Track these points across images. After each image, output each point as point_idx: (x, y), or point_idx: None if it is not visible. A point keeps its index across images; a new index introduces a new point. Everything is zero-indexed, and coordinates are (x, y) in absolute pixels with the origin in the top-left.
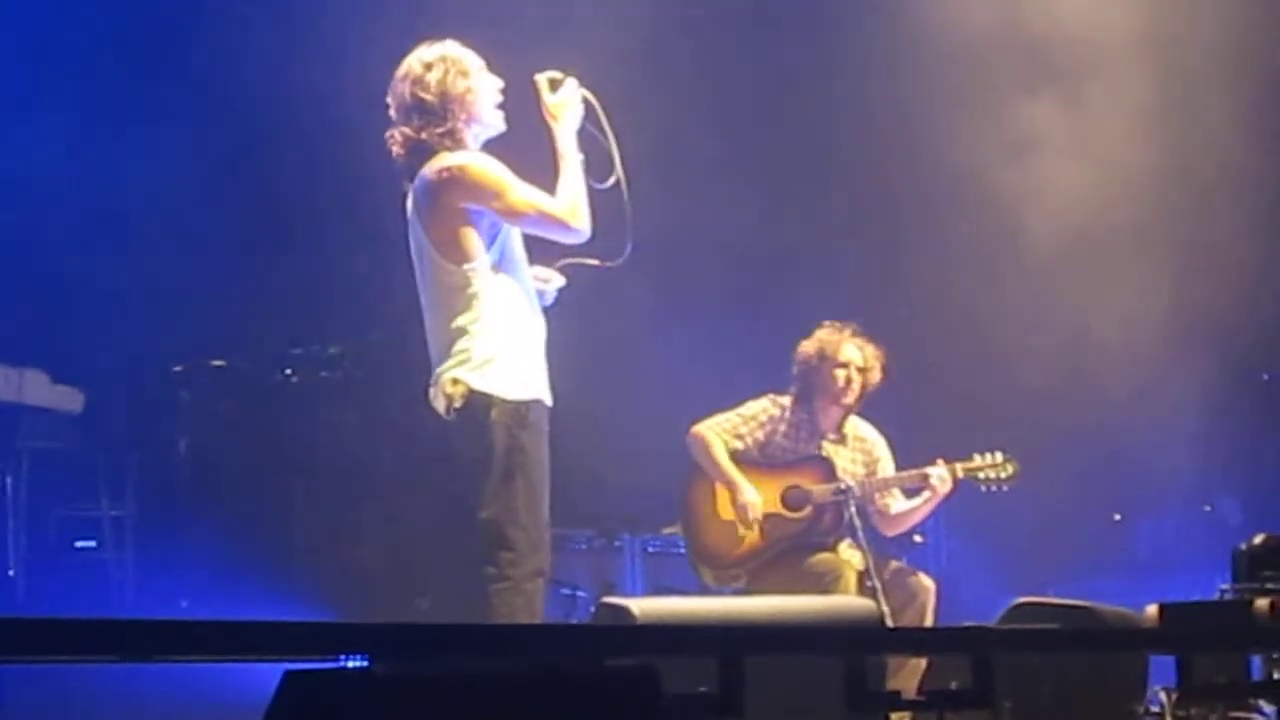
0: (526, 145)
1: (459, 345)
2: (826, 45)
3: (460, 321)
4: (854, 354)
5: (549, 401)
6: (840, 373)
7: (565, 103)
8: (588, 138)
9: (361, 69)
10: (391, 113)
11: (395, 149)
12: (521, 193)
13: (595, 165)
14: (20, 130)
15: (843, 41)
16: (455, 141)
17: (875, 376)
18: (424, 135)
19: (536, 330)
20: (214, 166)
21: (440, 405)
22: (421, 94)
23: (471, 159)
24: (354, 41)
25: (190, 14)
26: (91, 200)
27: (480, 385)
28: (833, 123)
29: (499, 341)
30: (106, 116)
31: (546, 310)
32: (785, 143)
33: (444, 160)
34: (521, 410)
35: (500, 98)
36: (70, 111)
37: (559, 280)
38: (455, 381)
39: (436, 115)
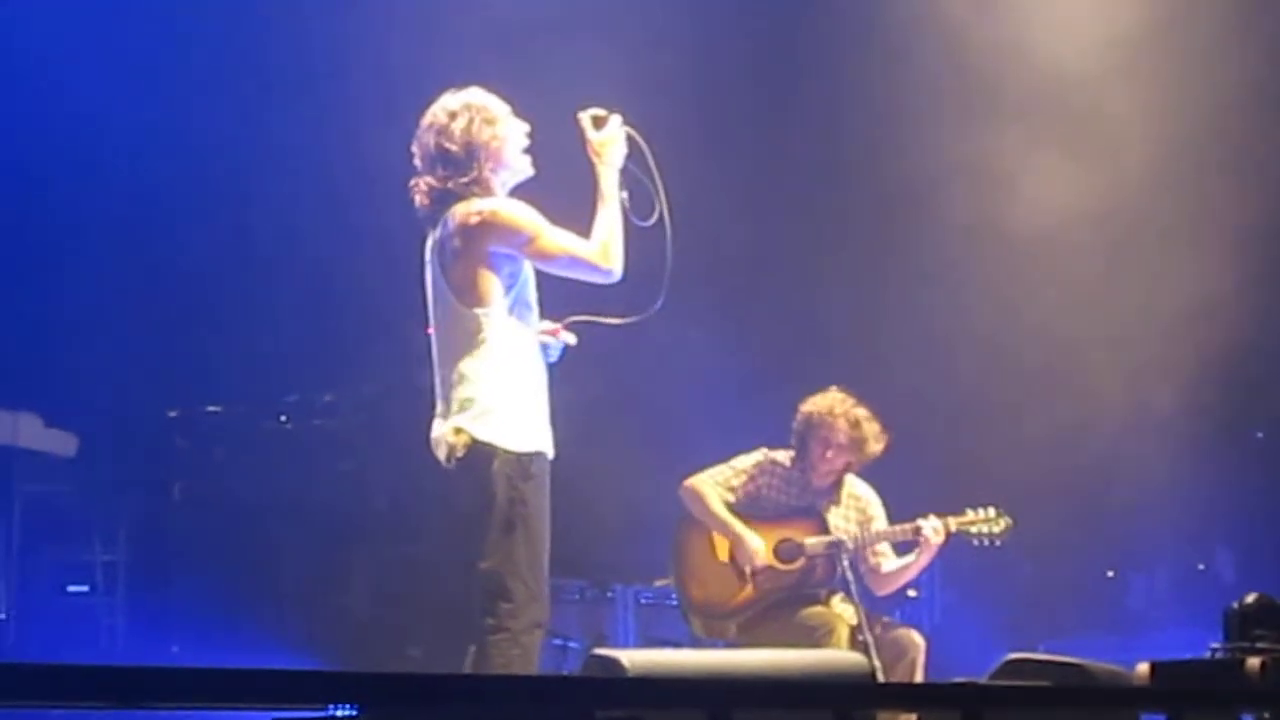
0: (554, 187)
1: (464, 392)
2: (827, 63)
3: (467, 367)
4: (842, 433)
5: (551, 453)
6: (821, 446)
7: (610, 140)
8: (630, 177)
9: (377, 112)
10: (416, 162)
11: (419, 198)
12: (553, 236)
13: (637, 203)
14: (15, 168)
15: (844, 55)
16: (482, 189)
17: (869, 451)
18: (450, 185)
19: (541, 381)
20: (214, 211)
21: (442, 453)
22: (447, 144)
23: (502, 204)
24: (370, 80)
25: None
26: (85, 248)
27: (484, 435)
28: (829, 163)
29: (504, 391)
30: (106, 154)
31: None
32: (782, 186)
33: (474, 205)
34: (524, 462)
35: (527, 142)
36: (76, 138)
37: (569, 338)
38: (459, 431)
39: (462, 165)
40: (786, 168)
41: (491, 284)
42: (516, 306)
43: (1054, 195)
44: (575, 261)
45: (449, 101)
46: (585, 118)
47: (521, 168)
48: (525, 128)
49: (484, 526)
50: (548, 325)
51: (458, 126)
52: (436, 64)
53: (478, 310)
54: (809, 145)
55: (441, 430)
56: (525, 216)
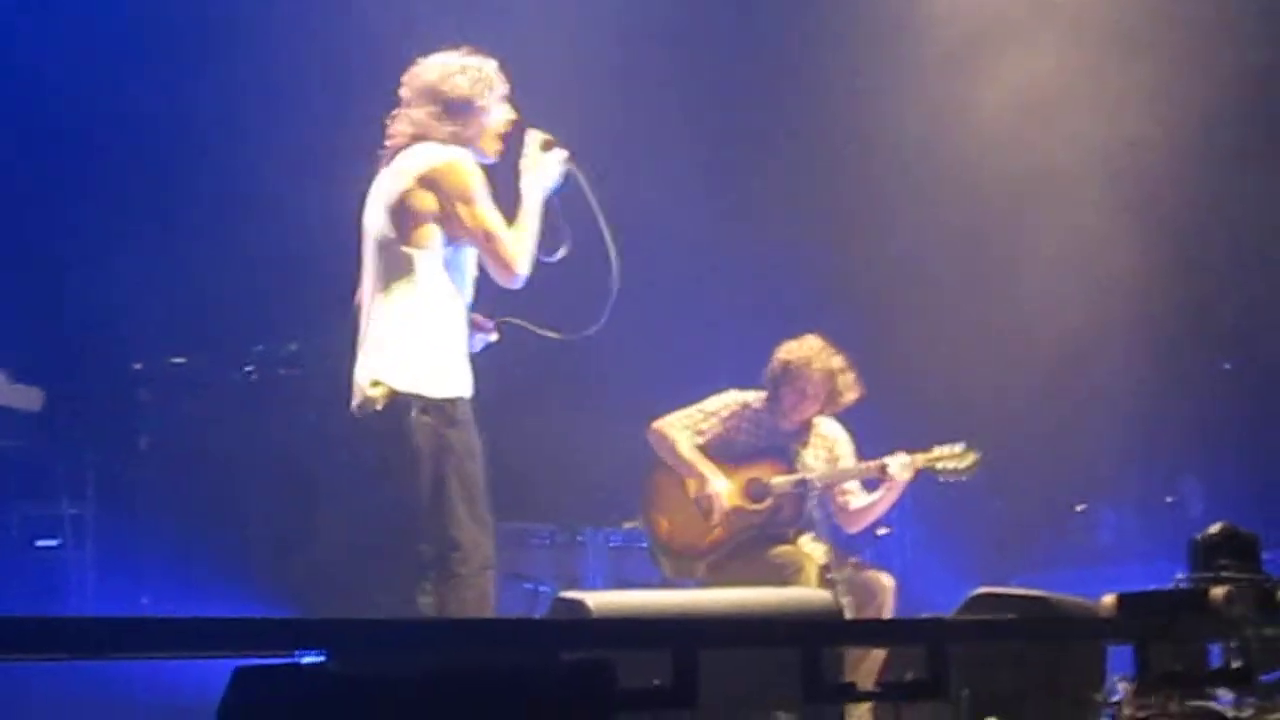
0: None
1: (382, 331)
2: (801, 34)
3: (391, 305)
4: (816, 382)
5: (470, 394)
6: (797, 396)
7: (544, 166)
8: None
9: (343, 58)
10: (404, 92)
11: (400, 130)
12: (486, 210)
13: (547, 238)
14: None
15: (818, 32)
16: (457, 145)
17: (843, 401)
18: (433, 125)
19: (462, 333)
20: (172, 158)
21: (355, 400)
22: (449, 90)
23: (460, 157)
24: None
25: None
26: (47, 200)
27: (404, 386)
28: (796, 115)
29: (425, 337)
30: (64, 109)
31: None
32: (751, 133)
33: (434, 149)
34: (448, 409)
35: (505, 129)
36: (27, 101)
37: (494, 335)
38: (375, 383)
39: (456, 114)
40: (762, 112)
41: (433, 229)
42: (452, 263)
43: (1023, 134)
44: (495, 245)
45: (464, 57)
46: (536, 135)
47: (491, 150)
48: (511, 116)
49: (415, 481)
50: (477, 317)
51: (465, 80)
52: (413, 27)
53: (414, 251)
54: (786, 93)
55: (359, 378)
56: (474, 178)
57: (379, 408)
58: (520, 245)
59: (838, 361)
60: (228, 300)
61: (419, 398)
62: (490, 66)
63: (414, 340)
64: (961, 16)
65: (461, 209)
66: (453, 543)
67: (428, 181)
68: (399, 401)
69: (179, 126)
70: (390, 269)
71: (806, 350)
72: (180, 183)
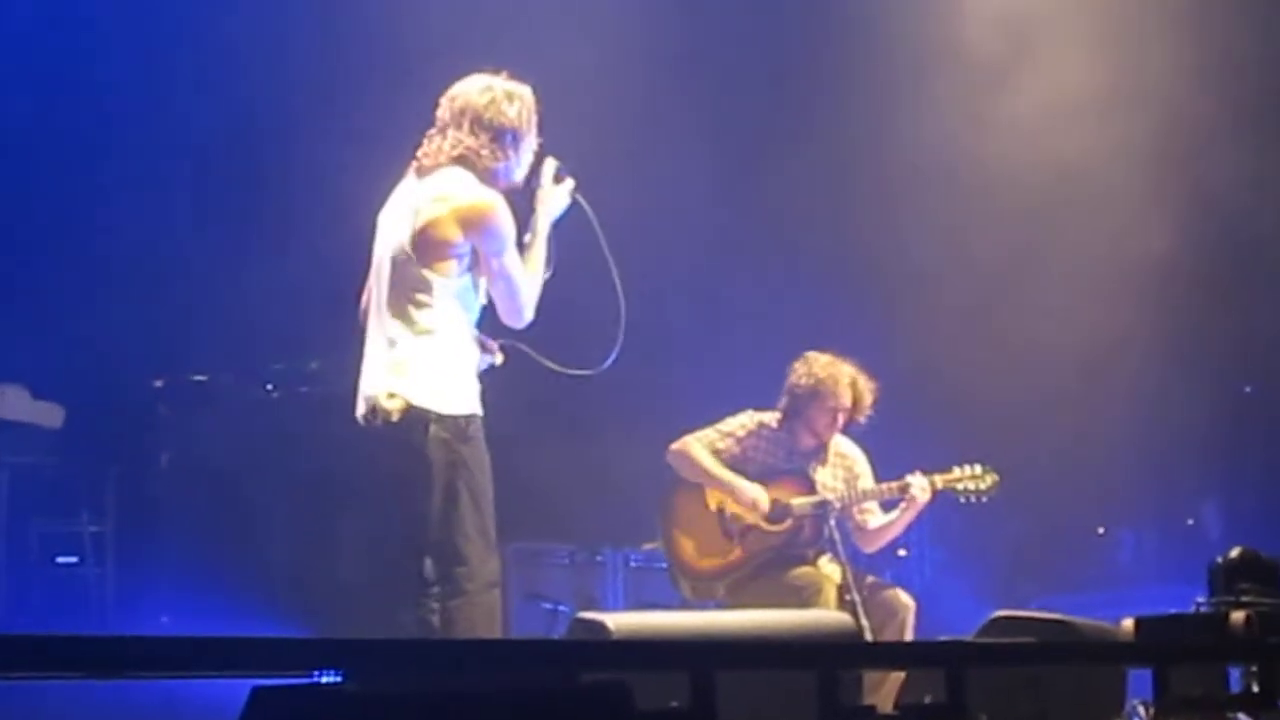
0: None
1: (399, 354)
2: (814, 39)
3: (407, 327)
4: (846, 399)
5: (481, 413)
6: (828, 415)
7: (556, 194)
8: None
9: (347, 82)
10: (444, 115)
11: (440, 148)
12: (515, 257)
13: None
14: None
15: (832, 51)
16: (492, 176)
17: (867, 407)
18: (483, 152)
19: (473, 354)
20: (197, 182)
21: (363, 410)
22: (500, 119)
23: (499, 202)
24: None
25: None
26: (71, 218)
27: (419, 401)
28: (811, 135)
29: (438, 355)
30: (90, 128)
31: (529, 329)
32: (766, 151)
33: (474, 189)
34: (461, 425)
35: (532, 159)
36: (48, 115)
37: (499, 358)
38: (391, 395)
39: (500, 141)
40: (769, 131)
41: (456, 261)
42: (465, 289)
43: (1045, 148)
44: (514, 293)
45: (509, 84)
46: (550, 165)
47: (519, 179)
48: (537, 143)
49: (426, 495)
50: (483, 338)
51: (512, 110)
52: (433, 43)
53: (430, 275)
54: (791, 107)
55: (373, 390)
56: (510, 226)
57: (395, 420)
58: (533, 291)
59: (851, 369)
60: (249, 318)
61: (434, 413)
62: (530, 95)
63: (430, 358)
64: (979, 21)
65: (493, 256)
66: (460, 557)
67: (464, 220)
68: (414, 415)
69: (200, 143)
70: (407, 288)
71: (828, 369)
72: (202, 201)
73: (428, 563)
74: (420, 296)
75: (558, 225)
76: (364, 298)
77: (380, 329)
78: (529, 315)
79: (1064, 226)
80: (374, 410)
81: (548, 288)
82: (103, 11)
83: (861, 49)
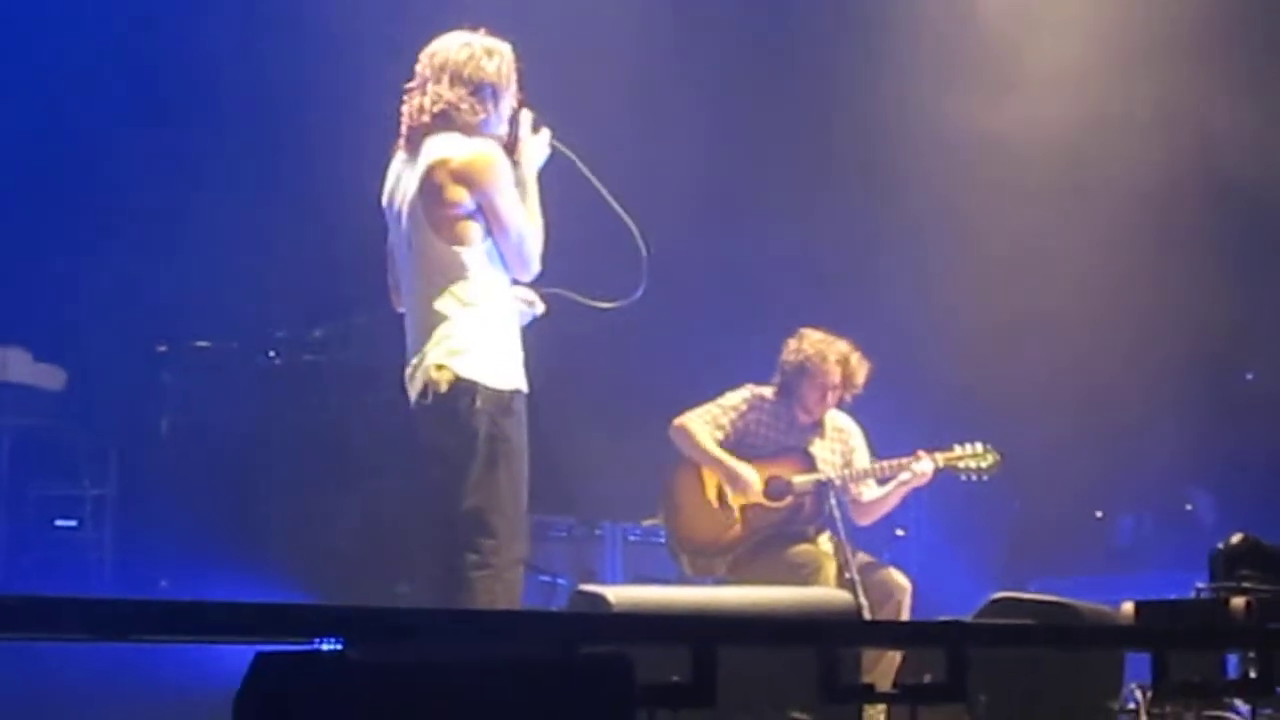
0: None
1: (444, 329)
2: (814, 30)
3: (445, 305)
4: (835, 375)
5: (526, 390)
6: (818, 391)
7: (535, 145)
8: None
9: (355, 50)
10: (425, 71)
11: (422, 105)
12: (516, 206)
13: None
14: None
15: (829, 27)
16: (477, 130)
17: (859, 383)
18: (463, 106)
19: (516, 322)
20: (200, 148)
21: (416, 389)
22: (479, 73)
23: (495, 150)
24: (337, 28)
25: None
26: (75, 180)
27: (466, 373)
28: (810, 114)
29: (484, 329)
30: (93, 96)
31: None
32: (772, 136)
33: (466, 142)
34: (505, 399)
35: (512, 114)
36: (50, 93)
37: (540, 307)
38: (440, 367)
39: (481, 97)
40: (774, 106)
41: (474, 225)
42: (494, 250)
43: (1047, 139)
44: (522, 243)
45: (487, 40)
46: (527, 116)
47: (503, 134)
48: (516, 103)
49: (466, 464)
50: (523, 293)
51: (492, 64)
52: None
53: (458, 249)
54: (796, 84)
55: (422, 366)
56: (507, 173)
57: (442, 390)
58: (538, 241)
59: (844, 346)
60: (252, 285)
61: (481, 385)
62: (509, 51)
63: (476, 330)
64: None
65: (499, 204)
66: (490, 529)
67: (463, 176)
68: (460, 387)
69: (204, 111)
70: (437, 267)
71: (818, 345)
72: (206, 166)
73: (459, 534)
74: (454, 273)
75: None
76: (394, 286)
77: (419, 309)
78: (536, 266)
79: (1067, 216)
80: (424, 389)
81: (564, 236)
82: None
83: (865, 20)
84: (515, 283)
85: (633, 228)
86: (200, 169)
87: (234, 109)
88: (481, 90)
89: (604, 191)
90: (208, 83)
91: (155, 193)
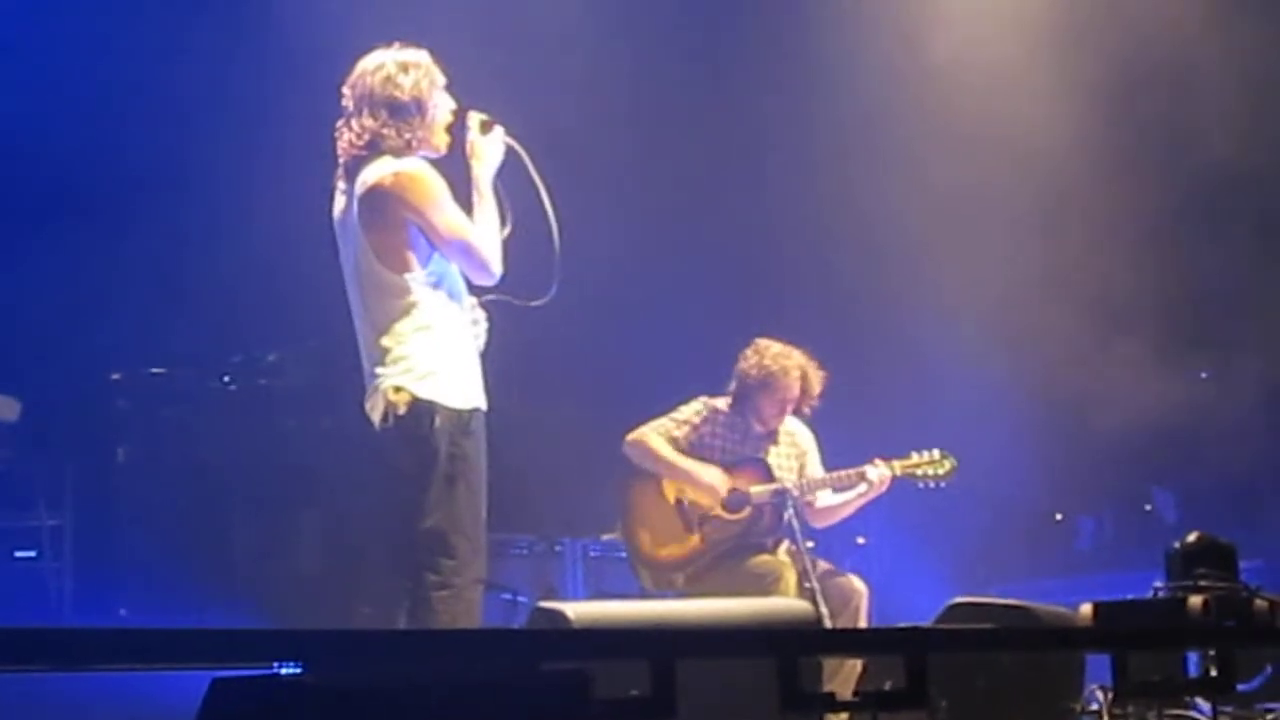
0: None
1: (398, 352)
2: (766, 35)
3: (398, 328)
4: (795, 389)
5: (485, 408)
6: (778, 405)
7: (489, 145)
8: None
9: (307, 70)
10: (348, 104)
11: (351, 140)
12: (456, 217)
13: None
14: None
15: (782, 34)
16: (409, 149)
17: (816, 394)
18: (385, 132)
19: (471, 341)
20: (149, 168)
21: (378, 414)
22: (395, 92)
23: (421, 168)
24: (313, 48)
25: None
26: (25, 207)
27: (424, 393)
28: (762, 121)
29: (440, 349)
30: (45, 123)
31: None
32: (723, 145)
33: (393, 165)
34: (464, 418)
35: (450, 120)
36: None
37: (482, 325)
38: (398, 390)
39: (405, 116)
40: (724, 116)
41: (414, 249)
42: (443, 276)
43: (993, 136)
44: (470, 252)
45: (401, 55)
46: (475, 117)
47: (439, 144)
48: (452, 105)
49: (425, 484)
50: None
51: (409, 80)
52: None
53: (405, 275)
54: (744, 93)
55: (380, 391)
56: (439, 187)
57: (401, 413)
58: (492, 243)
59: (801, 358)
60: (206, 311)
61: (439, 405)
62: (427, 59)
63: (430, 355)
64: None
65: (435, 220)
66: (450, 549)
67: (394, 200)
68: (419, 407)
69: (155, 136)
70: (386, 295)
71: (778, 359)
72: (159, 193)
73: (421, 556)
74: (402, 298)
75: (501, 177)
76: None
77: (373, 337)
78: (496, 269)
79: (1021, 219)
80: (386, 412)
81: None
82: None
83: (807, 21)
84: (474, 290)
85: (554, 227)
86: (151, 194)
87: (186, 133)
88: (403, 110)
89: (542, 191)
90: (159, 107)
91: (106, 219)
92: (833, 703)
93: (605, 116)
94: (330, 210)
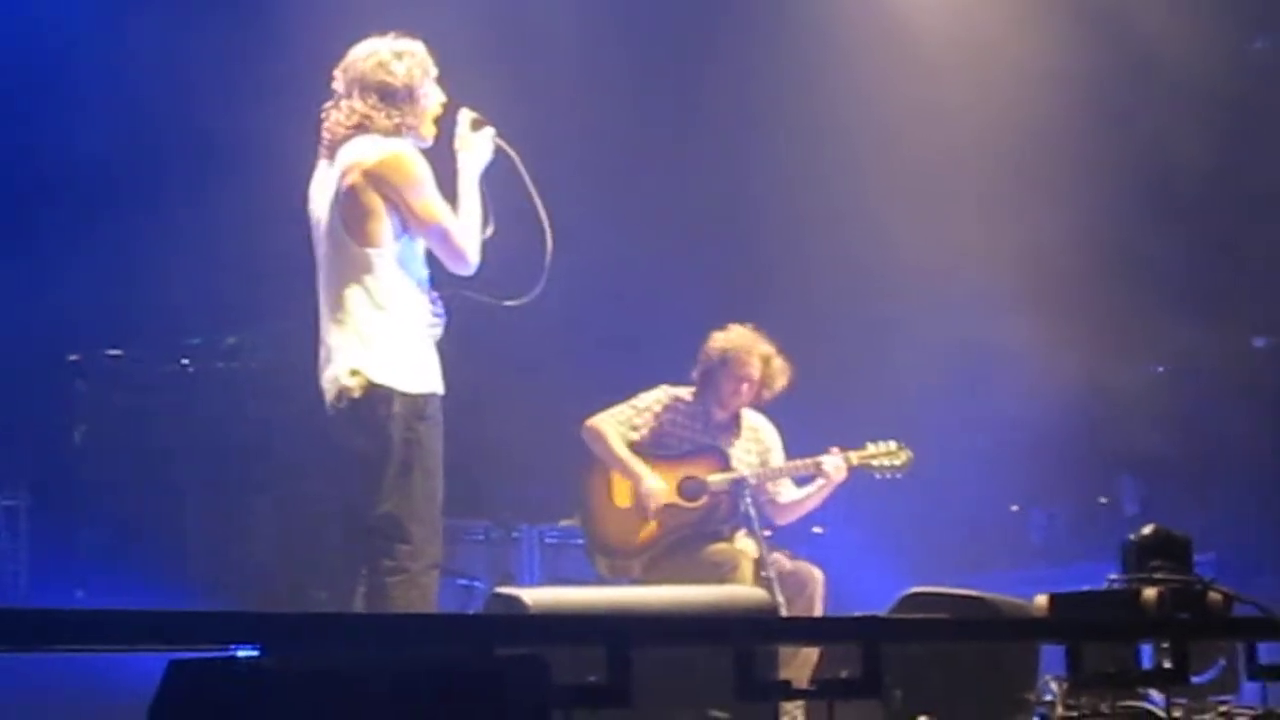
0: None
1: (356, 331)
2: (729, 30)
3: (356, 303)
4: (755, 370)
5: (442, 392)
6: (735, 383)
7: (477, 144)
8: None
9: (265, 52)
10: (339, 86)
11: (339, 120)
12: (436, 202)
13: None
14: None
15: (745, 27)
16: (396, 133)
17: (777, 386)
18: (375, 115)
19: (430, 325)
20: (108, 150)
21: (332, 395)
22: (387, 78)
23: (405, 149)
24: (251, 30)
25: None
26: None
27: (380, 378)
28: (725, 111)
29: (397, 332)
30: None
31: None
32: (679, 127)
33: (380, 142)
34: (420, 403)
35: (440, 111)
36: None
37: (439, 322)
38: (354, 373)
39: (396, 104)
40: (686, 102)
41: (384, 225)
42: (406, 256)
43: (944, 131)
44: (447, 236)
45: (395, 43)
46: (467, 113)
47: (427, 134)
48: (442, 98)
49: (381, 469)
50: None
51: (401, 67)
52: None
53: (370, 250)
54: (710, 84)
55: (335, 371)
56: (422, 171)
57: (356, 396)
58: (471, 233)
59: (769, 347)
60: (165, 293)
61: (396, 391)
62: (421, 49)
63: (387, 336)
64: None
65: (413, 202)
66: (405, 534)
67: (375, 177)
68: (375, 393)
69: (114, 118)
70: (348, 268)
71: (742, 338)
72: (117, 175)
73: (376, 541)
74: (364, 274)
75: (488, 177)
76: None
77: (332, 313)
78: (473, 259)
79: (977, 210)
80: (339, 394)
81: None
82: None
83: (782, 18)
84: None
85: (546, 227)
86: (108, 176)
87: (143, 116)
88: (394, 96)
89: (533, 192)
90: (115, 89)
91: (64, 200)
92: (789, 690)
93: (558, 101)
94: (306, 189)
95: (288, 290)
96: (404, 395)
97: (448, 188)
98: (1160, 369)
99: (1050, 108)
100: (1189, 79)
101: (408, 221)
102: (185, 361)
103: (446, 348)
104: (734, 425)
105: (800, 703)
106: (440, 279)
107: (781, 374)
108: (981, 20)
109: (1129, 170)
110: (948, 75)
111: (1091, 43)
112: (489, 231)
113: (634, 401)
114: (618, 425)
